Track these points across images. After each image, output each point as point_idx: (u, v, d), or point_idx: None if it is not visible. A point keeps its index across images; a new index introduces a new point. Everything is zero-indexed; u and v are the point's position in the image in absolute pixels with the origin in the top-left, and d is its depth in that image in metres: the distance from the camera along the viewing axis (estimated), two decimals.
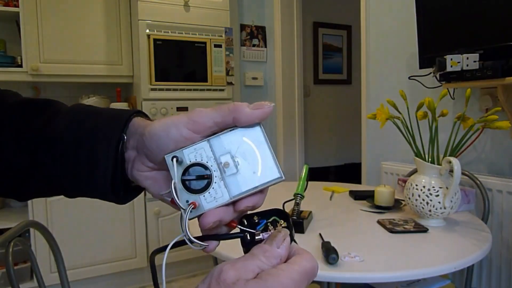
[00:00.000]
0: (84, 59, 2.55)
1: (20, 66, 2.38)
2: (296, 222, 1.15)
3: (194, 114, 0.36)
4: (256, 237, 0.36)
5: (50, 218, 2.22)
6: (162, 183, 0.39)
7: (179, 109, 2.59)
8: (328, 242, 1.00)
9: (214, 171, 0.35)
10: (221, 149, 0.35)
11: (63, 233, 2.23)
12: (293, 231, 0.37)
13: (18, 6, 2.33)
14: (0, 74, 2.33)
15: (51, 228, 2.17)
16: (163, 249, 0.36)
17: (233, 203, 0.35)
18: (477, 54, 1.42)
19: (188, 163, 0.35)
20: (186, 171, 0.35)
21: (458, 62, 1.44)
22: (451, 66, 1.44)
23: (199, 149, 0.35)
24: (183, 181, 0.35)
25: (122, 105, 2.60)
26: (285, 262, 0.33)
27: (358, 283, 1.24)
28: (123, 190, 0.41)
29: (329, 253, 0.92)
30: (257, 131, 0.36)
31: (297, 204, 1.19)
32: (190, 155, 0.35)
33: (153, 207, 2.47)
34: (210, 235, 0.36)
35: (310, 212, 1.28)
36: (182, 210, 0.35)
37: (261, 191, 0.36)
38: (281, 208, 0.38)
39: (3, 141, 0.41)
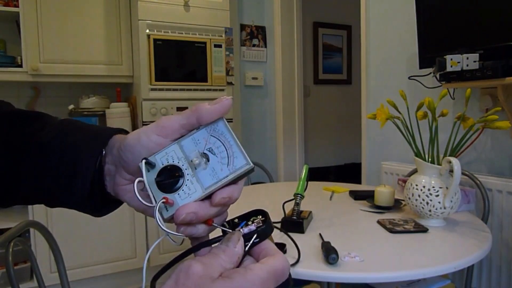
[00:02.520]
0: (84, 59, 2.55)
1: (20, 66, 2.38)
2: (296, 222, 1.15)
3: (161, 121, 0.38)
4: (244, 232, 0.37)
5: (50, 218, 2.22)
6: (142, 195, 0.40)
7: (179, 109, 2.59)
8: (328, 242, 1.00)
9: (186, 169, 0.37)
10: (191, 148, 0.37)
11: (63, 233, 2.23)
12: (271, 227, 0.38)
13: (18, 6, 2.33)
14: (0, 74, 2.33)
15: (51, 228, 2.17)
16: (162, 272, 0.38)
17: (209, 197, 0.36)
18: (477, 54, 1.42)
19: (161, 165, 0.37)
20: (159, 174, 0.37)
21: (458, 62, 1.44)
22: (451, 66, 1.44)
23: (170, 152, 0.37)
24: (157, 183, 0.37)
25: (122, 105, 2.60)
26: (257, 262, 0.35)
27: (358, 283, 1.24)
28: (100, 203, 0.42)
29: (329, 253, 0.92)
30: (221, 126, 0.37)
31: (297, 204, 1.19)
32: (162, 158, 0.37)
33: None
34: (201, 242, 0.38)
35: (310, 212, 1.28)
36: (154, 202, 0.36)
37: (235, 182, 0.37)
38: (261, 208, 0.40)
39: None
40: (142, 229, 2.46)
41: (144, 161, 0.37)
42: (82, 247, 2.30)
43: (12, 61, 2.40)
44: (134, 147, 0.38)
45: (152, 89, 2.50)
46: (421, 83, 1.85)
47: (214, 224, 0.38)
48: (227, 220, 0.40)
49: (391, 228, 1.17)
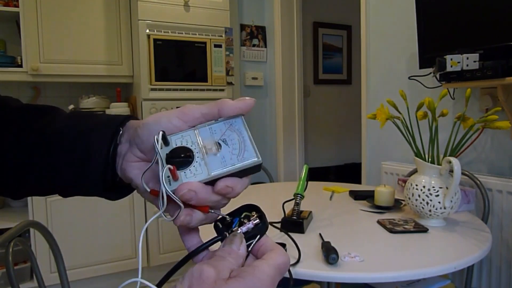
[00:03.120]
0: (84, 59, 2.55)
1: (20, 66, 2.38)
2: (296, 222, 1.15)
3: (184, 107, 0.40)
4: (242, 231, 0.39)
5: (50, 218, 2.22)
6: (148, 174, 0.40)
7: None
8: (328, 242, 1.00)
9: (197, 152, 0.38)
10: (206, 136, 0.39)
11: (63, 233, 2.23)
12: (266, 221, 0.39)
13: (18, 6, 2.33)
14: (0, 74, 2.33)
15: (51, 228, 2.17)
16: (166, 278, 0.39)
17: (212, 183, 0.37)
18: (477, 54, 1.42)
19: (174, 146, 0.39)
20: (172, 152, 0.38)
21: (458, 62, 1.44)
22: (451, 66, 1.44)
23: (185, 136, 0.39)
24: (167, 159, 0.38)
25: (122, 105, 2.60)
26: (259, 258, 0.36)
27: (358, 283, 1.24)
28: (112, 184, 0.43)
29: (329, 253, 0.92)
30: (239, 122, 0.39)
31: (297, 204, 1.19)
32: (176, 140, 0.39)
33: (153, 207, 2.47)
34: (199, 247, 0.39)
35: (310, 212, 1.28)
36: (161, 173, 0.37)
37: (241, 176, 0.38)
38: (249, 203, 0.41)
39: (4, 141, 0.43)
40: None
41: (161, 133, 0.38)
42: (82, 247, 2.30)
43: (12, 61, 2.40)
44: (152, 126, 0.39)
45: (152, 89, 2.50)
46: (421, 83, 1.85)
47: (210, 211, 0.38)
48: (223, 215, 0.40)
49: (391, 228, 1.17)
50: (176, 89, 2.57)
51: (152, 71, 2.47)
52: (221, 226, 0.40)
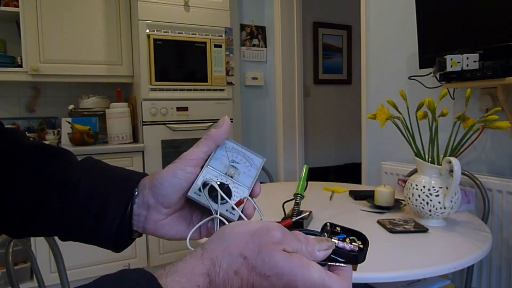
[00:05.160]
0: (84, 59, 2.55)
1: (20, 66, 2.38)
2: (296, 222, 1.15)
3: (187, 155, 0.44)
4: (337, 244, 0.40)
5: None
6: (181, 222, 0.45)
7: (179, 109, 2.59)
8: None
9: (226, 181, 0.45)
10: (219, 165, 0.46)
11: None
12: (361, 257, 0.40)
13: (18, 6, 2.33)
14: (0, 74, 2.33)
15: None
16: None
17: (250, 193, 0.46)
18: (477, 54, 1.42)
19: (206, 188, 0.44)
20: (210, 194, 0.44)
21: (458, 62, 1.44)
22: (451, 66, 1.44)
23: (206, 175, 0.44)
24: (213, 198, 0.43)
25: (122, 105, 2.60)
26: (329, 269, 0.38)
27: (358, 283, 1.24)
28: (125, 242, 0.45)
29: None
30: (229, 143, 0.47)
31: (297, 204, 1.19)
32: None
33: None
34: (302, 229, 0.41)
35: (310, 212, 1.27)
36: (214, 213, 0.44)
37: (256, 180, 0.47)
38: (365, 235, 0.43)
39: (16, 179, 0.44)
40: None
41: (205, 187, 0.43)
42: (82, 247, 2.28)
43: (12, 61, 2.40)
44: (173, 182, 0.43)
45: (152, 89, 2.50)
46: (421, 83, 1.85)
47: (314, 231, 0.42)
48: (330, 222, 0.44)
49: (391, 228, 1.16)
50: (176, 89, 2.57)
51: (152, 71, 2.47)
52: (328, 228, 0.43)
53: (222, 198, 0.43)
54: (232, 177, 0.45)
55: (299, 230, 0.39)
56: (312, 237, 0.38)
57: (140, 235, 0.46)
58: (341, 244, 0.39)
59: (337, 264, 0.38)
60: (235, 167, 0.46)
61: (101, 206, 0.43)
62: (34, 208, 0.43)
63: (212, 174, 0.44)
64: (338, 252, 0.38)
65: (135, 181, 0.45)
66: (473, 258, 1.00)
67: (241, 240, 0.35)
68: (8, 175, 0.43)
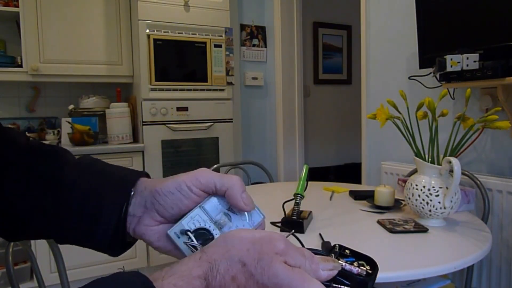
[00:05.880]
0: (84, 59, 2.55)
1: (20, 66, 2.38)
2: (296, 222, 1.15)
3: (200, 176, 0.41)
4: (343, 266, 0.38)
5: None
6: (162, 235, 0.43)
7: (179, 109, 2.59)
8: (328, 242, 1.00)
9: (213, 230, 0.41)
10: (213, 211, 0.41)
11: None
12: (369, 284, 0.38)
13: (18, 6, 2.33)
14: (0, 74, 2.33)
15: None
16: None
17: None
18: (477, 54, 1.42)
19: (191, 230, 0.41)
20: (190, 237, 0.40)
21: (458, 62, 1.44)
22: (451, 66, 1.44)
23: (195, 217, 0.41)
24: (192, 247, 0.40)
25: (122, 105, 2.60)
26: None
27: None
28: (120, 245, 0.44)
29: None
30: None
31: (297, 204, 1.19)
32: (189, 223, 0.41)
33: None
34: (310, 248, 0.39)
35: (310, 212, 1.27)
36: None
37: None
38: (375, 261, 0.41)
39: (9, 181, 0.43)
40: None
41: (188, 233, 0.40)
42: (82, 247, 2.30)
43: (12, 61, 2.40)
44: (174, 194, 0.41)
45: (152, 89, 2.50)
46: (421, 83, 1.85)
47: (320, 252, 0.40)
48: (340, 244, 0.42)
49: (391, 228, 1.16)
50: (176, 89, 2.57)
51: (152, 71, 2.48)
52: (336, 250, 0.41)
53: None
54: (221, 228, 0.41)
55: (307, 248, 0.38)
56: (319, 256, 0.37)
57: (135, 240, 0.45)
58: (348, 266, 0.38)
59: (342, 287, 0.36)
60: (229, 218, 0.41)
61: (96, 207, 0.42)
62: (27, 211, 0.42)
63: (200, 218, 0.41)
64: (344, 275, 0.36)
65: (132, 181, 0.43)
66: (473, 258, 1.00)
67: (242, 246, 0.34)
68: (0, 178, 0.42)
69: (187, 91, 2.61)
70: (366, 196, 1.51)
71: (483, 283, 1.59)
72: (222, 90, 2.75)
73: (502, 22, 1.43)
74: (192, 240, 0.40)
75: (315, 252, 0.38)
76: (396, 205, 1.41)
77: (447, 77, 1.56)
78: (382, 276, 0.92)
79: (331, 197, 1.61)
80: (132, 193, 0.43)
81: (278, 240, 0.34)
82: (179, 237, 0.40)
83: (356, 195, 1.56)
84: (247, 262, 0.33)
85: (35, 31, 2.39)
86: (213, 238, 0.40)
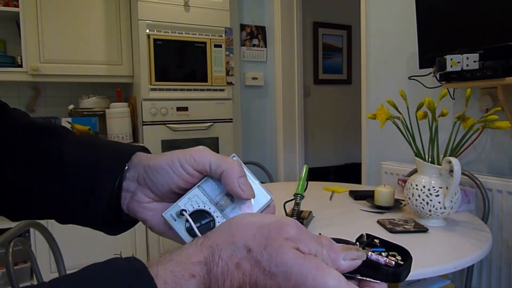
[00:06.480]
0: (84, 59, 2.55)
1: (20, 66, 2.38)
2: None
3: (195, 154, 0.38)
4: (369, 256, 0.33)
5: None
6: (159, 215, 0.40)
7: (179, 109, 2.59)
8: None
9: (214, 212, 0.37)
10: (214, 190, 0.38)
11: (63, 233, 2.23)
12: (398, 275, 0.33)
13: (18, 6, 2.33)
14: (0, 74, 2.33)
15: (51, 228, 2.16)
16: None
17: None
18: (477, 54, 1.42)
19: (188, 211, 0.37)
20: (188, 220, 0.37)
21: (458, 62, 1.44)
22: (451, 66, 1.44)
23: (192, 197, 0.38)
24: (188, 231, 0.37)
25: (122, 105, 2.60)
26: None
27: None
28: (115, 221, 0.42)
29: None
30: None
31: (297, 204, 1.19)
32: (186, 205, 0.38)
33: None
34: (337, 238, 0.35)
35: (310, 212, 1.28)
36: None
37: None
38: (409, 252, 0.36)
39: (9, 159, 0.42)
40: (142, 229, 2.46)
41: (185, 213, 0.37)
42: (82, 247, 2.30)
43: (12, 61, 2.40)
44: (166, 170, 0.38)
45: (152, 89, 2.50)
46: (421, 83, 1.85)
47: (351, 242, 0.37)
48: (368, 233, 0.38)
49: (391, 228, 1.16)
50: (176, 89, 2.57)
51: (152, 71, 2.47)
52: (364, 240, 0.37)
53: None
54: (222, 210, 0.37)
55: (332, 238, 0.33)
56: (340, 245, 0.33)
57: (133, 220, 0.43)
58: (374, 256, 0.33)
59: (368, 279, 0.32)
60: (231, 199, 0.37)
61: (91, 181, 0.40)
62: (27, 189, 0.42)
63: (199, 199, 0.37)
64: (371, 265, 0.32)
65: (128, 154, 0.41)
66: (473, 258, 1.00)
67: (248, 231, 0.31)
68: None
69: (187, 91, 2.61)
70: (366, 196, 1.51)
71: (483, 283, 1.59)
72: (222, 90, 2.75)
73: (502, 22, 1.43)
74: (190, 223, 0.36)
75: (337, 240, 0.33)
76: (396, 205, 1.41)
77: (447, 77, 1.56)
78: None
79: (331, 197, 1.61)
80: (127, 167, 0.41)
81: (289, 225, 0.31)
82: (175, 220, 0.37)
83: (356, 195, 1.56)
84: (253, 248, 0.30)
85: (35, 31, 2.38)
86: (213, 220, 0.37)
